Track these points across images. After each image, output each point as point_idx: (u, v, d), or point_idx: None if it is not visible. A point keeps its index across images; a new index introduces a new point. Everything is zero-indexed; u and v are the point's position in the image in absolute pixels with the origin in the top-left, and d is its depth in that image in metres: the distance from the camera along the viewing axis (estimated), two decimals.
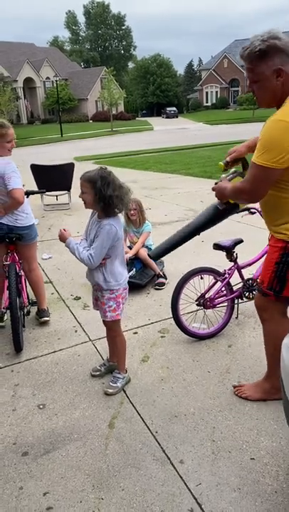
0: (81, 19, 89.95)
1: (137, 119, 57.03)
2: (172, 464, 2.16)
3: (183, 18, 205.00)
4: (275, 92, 2.02)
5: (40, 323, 3.68)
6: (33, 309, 3.80)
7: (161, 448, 2.27)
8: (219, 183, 2.43)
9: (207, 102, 60.20)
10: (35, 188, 7.97)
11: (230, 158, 2.54)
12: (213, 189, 2.46)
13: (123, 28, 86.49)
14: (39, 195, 8.25)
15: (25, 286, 3.64)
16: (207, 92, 60.44)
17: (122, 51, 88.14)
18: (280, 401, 2.28)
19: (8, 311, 3.36)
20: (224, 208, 2.59)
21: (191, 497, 1.97)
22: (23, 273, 3.53)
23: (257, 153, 2.03)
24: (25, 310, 3.52)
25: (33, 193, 4.25)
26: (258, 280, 2.35)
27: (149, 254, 2.74)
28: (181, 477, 2.08)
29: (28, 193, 4.11)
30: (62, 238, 2.57)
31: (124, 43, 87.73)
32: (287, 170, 2.00)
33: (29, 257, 3.57)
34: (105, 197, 2.39)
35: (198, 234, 2.80)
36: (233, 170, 2.56)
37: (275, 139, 1.95)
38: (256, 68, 2.01)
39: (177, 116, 54.42)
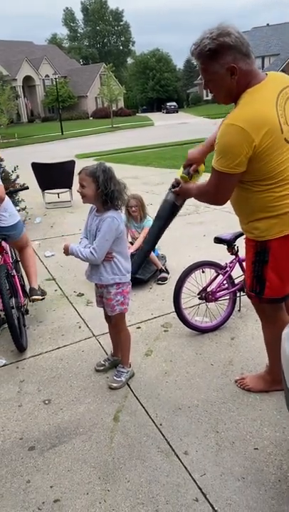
0: (79, 16, 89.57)
1: (137, 114, 56.87)
2: (177, 456, 2.19)
3: (181, 11, 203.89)
4: (230, 90, 1.98)
5: (32, 302, 3.61)
6: (36, 306, 3.83)
7: (166, 440, 2.29)
8: (182, 185, 2.42)
9: (207, 96, 59.65)
10: (37, 187, 8.02)
11: (193, 170, 2.52)
12: (178, 192, 2.45)
13: (121, 23, 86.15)
14: (41, 193, 8.29)
15: (20, 286, 3.59)
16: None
17: (121, 47, 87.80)
18: (283, 392, 2.30)
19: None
20: (181, 203, 2.59)
21: (195, 487, 2.00)
22: (15, 273, 3.52)
23: (215, 157, 2.02)
24: (23, 309, 3.48)
25: (16, 190, 4.26)
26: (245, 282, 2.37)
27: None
28: (185, 468, 2.11)
29: (11, 192, 4.13)
30: (66, 251, 2.57)
31: (122, 39, 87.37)
32: (248, 171, 2.00)
33: (21, 246, 3.62)
34: (108, 191, 2.42)
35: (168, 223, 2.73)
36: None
37: (229, 144, 1.94)
38: (209, 68, 1.95)
39: (177, 111, 54.21)
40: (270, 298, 2.26)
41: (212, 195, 2.19)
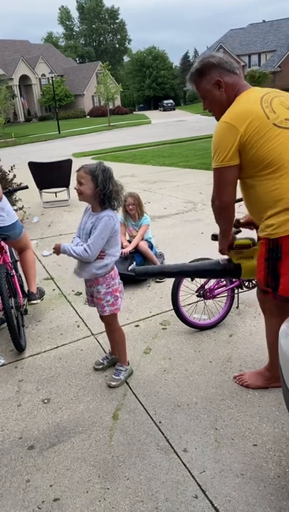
0: (74, 14, 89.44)
1: (134, 113, 56.85)
2: (176, 453, 2.19)
3: (177, 8, 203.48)
4: (222, 103, 2.21)
5: (30, 306, 3.62)
6: (34, 306, 3.82)
7: (165, 437, 2.30)
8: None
9: None
10: (34, 186, 8.00)
11: (244, 219, 2.73)
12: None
13: (117, 21, 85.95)
14: (38, 193, 8.28)
15: (20, 286, 3.59)
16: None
17: (117, 45, 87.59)
18: (281, 388, 2.30)
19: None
20: (225, 266, 2.71)
21: (195, 484, 2.00)
22: (14, 273, 3.51)
23: (212, 158, 2.18)
24: (22, 309, 3.47)
25: (15, 190, 4.25)
26: (256, 278, 2.39)
27: (133, 269, 2.87)
28: (185, 465, 2.11)
29: (10, 191, 4.11)
30: (57, 250, 2.56)
31: (118, 37, 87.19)
32: (245, 164, 2.12)
33: (21, 248, 3.59)
34: (106, 191, 2.42)
35: (191, 277, 3.00)
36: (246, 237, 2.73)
37: (219, 140, 2.12)
38: (199, 86, 2.26)
39: (174, 109, 54.15)
40: (285, 297, 2.25)
41: (215, 195, 2.27)
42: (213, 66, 2.20)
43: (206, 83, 2.22)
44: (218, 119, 2.26)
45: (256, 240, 2.70)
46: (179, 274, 2.94)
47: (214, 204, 2.31)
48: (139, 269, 2.96)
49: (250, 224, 2.75)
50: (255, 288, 3.30)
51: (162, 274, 3.21)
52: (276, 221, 2.12)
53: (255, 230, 2.78)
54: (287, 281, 2.20)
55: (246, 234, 2.78)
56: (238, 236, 2.73)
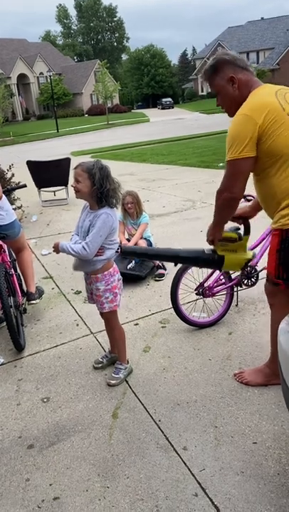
0: (72, 12, 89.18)
1: (132, 111, 56.70)
2: (176, 451, 2.19)
3: (176, 6, 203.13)
4: (235, 99, 2.27)
5: (29, 306, 3.62)
6: (32, 306, 3.82)
7: (165, 436, 2.29)
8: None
9: (202, 92, 59.66)
10: (33, 185, 7.99)
11: (235, 213, 2.72)
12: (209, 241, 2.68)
13: (115, 19, 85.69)
14: (37, 192, 8.27)
15: (19, 285, 3.58)
16: (202, 81, 59.91)
17: (115, 43, 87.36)
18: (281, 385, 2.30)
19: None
20: (209, 256, 2.75)
21: (195, 482, 2.00)
22: (13, 272, 3.51)
23: (227, 150, 2.21)
24: (21, 308, 3.46)
25: (13, 188, 4.24)
26: (267, 270, 2.39)
27: (122, 247, 2.89)
28: (184, 463, 2.11)
29: (9, 190, 4.10)
30: (56, 249, 2.56)
31: (116, 35, 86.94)
32: (262, 155, 2.15)
33: (18, 247, 3.58)
34: (103, 189, 2.41)
35: (175, 263, 3.04)
36: (234, 226, 2.77)
37: (236, 132, 2.16)
38: (213, 82, 2.33)
39: (173, 107, 54.03)
40: None
41: (226, 186, 2.28)
42: (226, 62, 2.28)
43: (220, 79, 2.29)
44: (230, 114, 2.30)
45: (242, 235, 2.77)
46: (163, 257, 3.03)
47: (222, 195, 2.31)
48: (127, 248, 3.02)
49: (239, 218, 2.78)
50: (255, 286, 3.33)
51: (148, 255, 3.33)
52: None
53: (242, 225, 2.82)
54: None
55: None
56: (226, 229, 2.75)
